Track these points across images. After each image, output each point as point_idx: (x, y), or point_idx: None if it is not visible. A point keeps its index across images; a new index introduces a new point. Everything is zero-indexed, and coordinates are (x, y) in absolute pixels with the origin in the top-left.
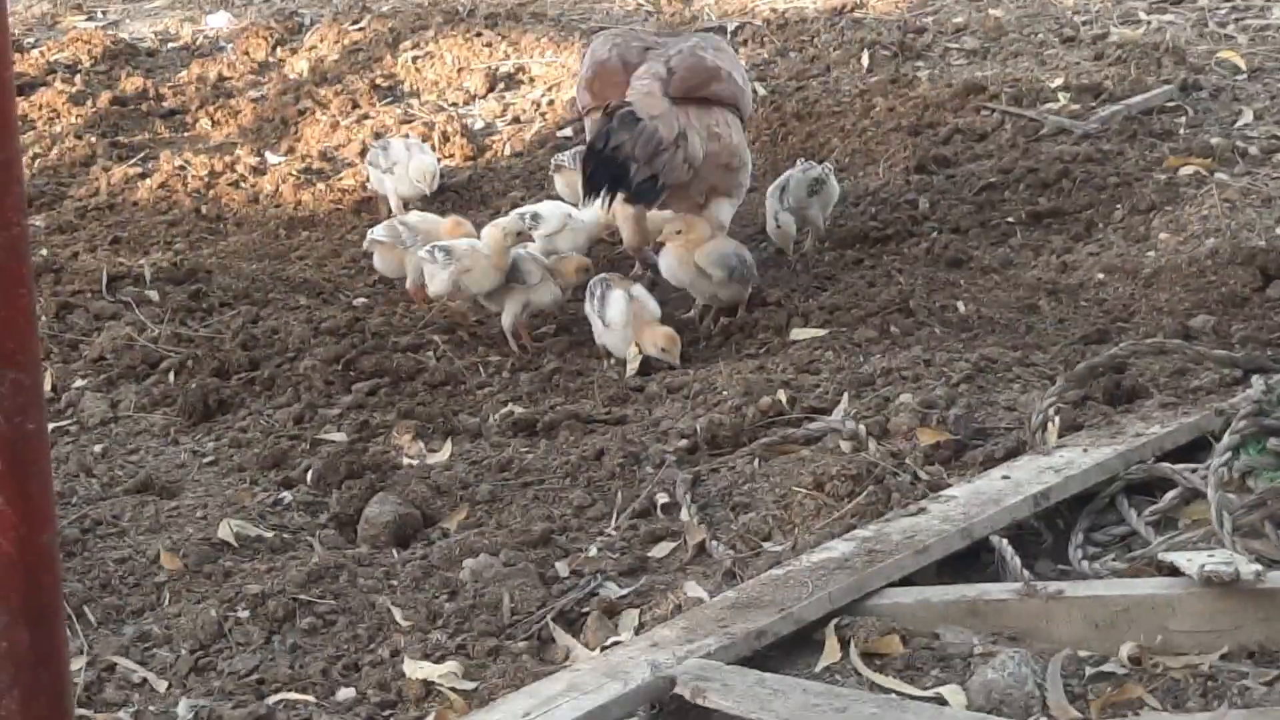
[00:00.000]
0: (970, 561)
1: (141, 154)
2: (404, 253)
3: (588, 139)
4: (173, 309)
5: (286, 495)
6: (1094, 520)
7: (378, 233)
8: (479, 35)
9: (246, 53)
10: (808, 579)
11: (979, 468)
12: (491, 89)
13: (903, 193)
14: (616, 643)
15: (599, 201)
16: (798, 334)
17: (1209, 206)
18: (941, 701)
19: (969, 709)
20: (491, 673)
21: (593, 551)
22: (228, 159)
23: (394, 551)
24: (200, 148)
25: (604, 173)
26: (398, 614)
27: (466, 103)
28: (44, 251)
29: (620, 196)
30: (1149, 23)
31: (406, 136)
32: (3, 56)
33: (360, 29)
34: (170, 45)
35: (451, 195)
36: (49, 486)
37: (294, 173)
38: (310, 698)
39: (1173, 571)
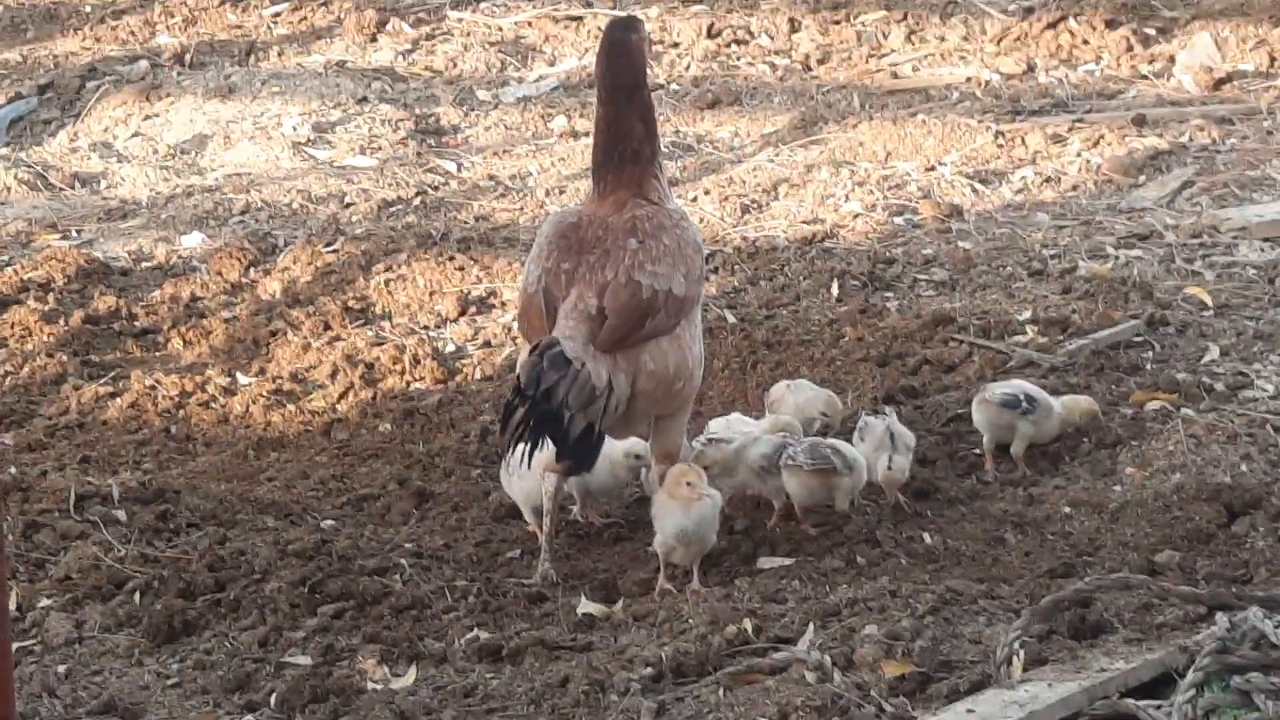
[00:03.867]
0: None
1: (113, 373)
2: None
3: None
4: (140, 529)
5: (250, 719)
6: None
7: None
8: (451, 259)
9: (220, 273)
10: None
11: (944, 700)
12: (463, 313)
13: None
14: None
15: (522, 458)
16: (764, 563)
17: (1175, 442)
18: None
19: None
20: None
21: None
22: (199, 379)
23: None
24: (171, 367)
25: (541, 424)
26: None
27: (438, 326)
28: (12, 469)
29: (552, 455)
30: (1117, 258)
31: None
32: None
33: (334, 251)
34: (144, 265)
35: (421, 419)
36: (13, 708)
37: (264, 394)
38: None
39: None
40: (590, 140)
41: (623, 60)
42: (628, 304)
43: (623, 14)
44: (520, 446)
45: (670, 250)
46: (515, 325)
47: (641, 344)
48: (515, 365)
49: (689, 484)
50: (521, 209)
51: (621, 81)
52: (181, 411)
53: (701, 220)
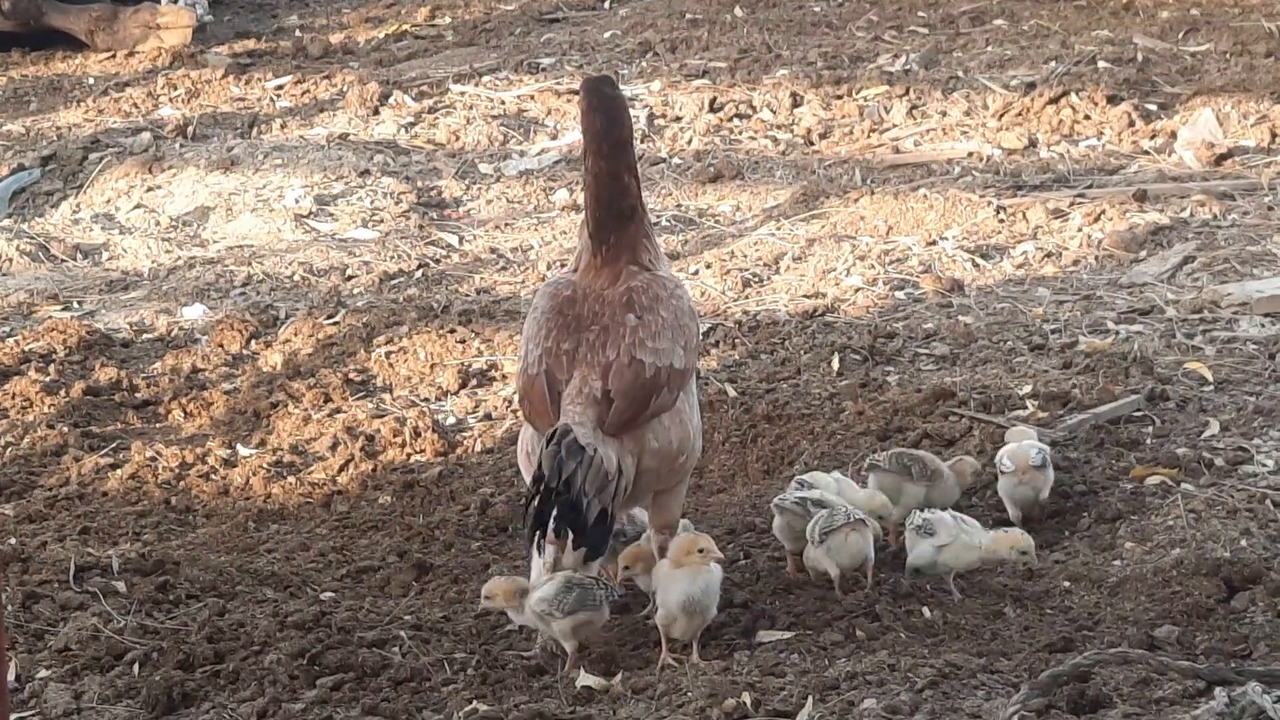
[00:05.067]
0: None
1: (113, 444)
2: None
3: (525, 451)
4: (139, 600)
5: None
6: None
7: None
8: (452, 332)
9: (221, 345)
10: None
11: None
12: (464, 385)
13: None
14: None
15: (540, 543)
16: (764, 636)
17: (1174, 517)
18: None
19: None
20: None
21: None
22: (199, 450)
23: None
24: (172, 439)
25: (562, 513)
26: None
27: (439, 398)
28: (12, 540)
29: (569, 541)
30: (1117, 332)
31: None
32: None
33: (335, 323)
34: (145, 336)
35: (421, 491)
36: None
37: (265, 466)
38: None
39: None
40: None
41: (615, 115)
42: (633, 384)
43: (595, 74)
44: (539, 534)
45: (669, 323)
46: (516, 400)
47: (646, 423)
48: (516, 440)
49: (701, 550)
50: (523, 282)
51: (617, 136)
52: (182, 483)
53: (702, 294)
